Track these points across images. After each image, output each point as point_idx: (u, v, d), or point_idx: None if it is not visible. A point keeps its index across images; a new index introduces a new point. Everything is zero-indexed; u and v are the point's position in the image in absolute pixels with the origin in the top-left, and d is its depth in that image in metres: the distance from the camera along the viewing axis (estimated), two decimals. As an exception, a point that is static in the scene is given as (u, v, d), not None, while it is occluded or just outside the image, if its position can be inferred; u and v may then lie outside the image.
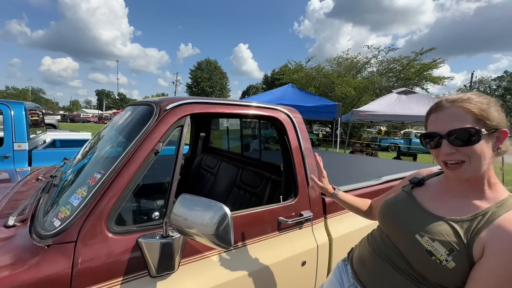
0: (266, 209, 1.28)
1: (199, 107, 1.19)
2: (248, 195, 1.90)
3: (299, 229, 1.38)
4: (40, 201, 1.11)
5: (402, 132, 17.66)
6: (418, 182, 0.88)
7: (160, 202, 1.37)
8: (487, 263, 0.62)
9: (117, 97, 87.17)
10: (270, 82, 40.08)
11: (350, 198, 1.18)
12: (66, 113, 45.91)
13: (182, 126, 1.12)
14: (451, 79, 17.59)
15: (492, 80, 52.36)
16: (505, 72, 50.06)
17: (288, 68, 21.06)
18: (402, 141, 15.74)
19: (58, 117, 30.43)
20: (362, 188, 1.80)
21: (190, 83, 48.98)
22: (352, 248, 1.07)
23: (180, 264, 0.98)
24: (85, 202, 0.89)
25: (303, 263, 1.34)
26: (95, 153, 1.29)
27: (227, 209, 0.81)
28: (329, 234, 1.49)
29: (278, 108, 1.48)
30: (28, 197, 1.28)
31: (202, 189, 2.47)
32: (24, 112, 3.09)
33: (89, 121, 40.95)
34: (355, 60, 17.12)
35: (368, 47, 16.71)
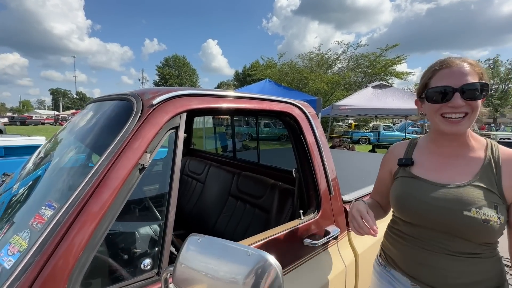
0: (288, 230, 1.00)
1: (197, 101, 0.86)
2: (249, 206, 1.60)
3: (324, 250, 1.13)
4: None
5: (371, 125, 18.43)
6: (410, 161, 0.88)
7: (137, 255, 0.96)
8: None
9: (75, 96, 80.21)
10: (242, 79, 39.72)
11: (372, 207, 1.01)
12: (15, 115, 40.87)
13: (177, 128, 0.79)
14: (413, 74, 18.75)
15: (443, 75, 57.79)
16: (454, 68, 55.70)
17: (259, 64, 20.83)
18: (371, 133, 16.42)
19: (5, 120, 27.04)
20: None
21: (157, 80, 46.73)
22: (383, 251, 1.00)
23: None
24: (26, 260, 0.53)
25: (333, 292, 1.09)
26: (45, 173, 0.89)
27: (273, 260, 0.51)
28: (354, 249, 1.26)
29: (291, 101, 1.20)
30: None
31: (188, 199, 2.12)
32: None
33: (43, 123, 36.95)
34: (325, 56, 17.43)
35: (338, 43, 17.12)
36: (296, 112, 1.19)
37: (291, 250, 0.99)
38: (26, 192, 0.81)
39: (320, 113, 6.59)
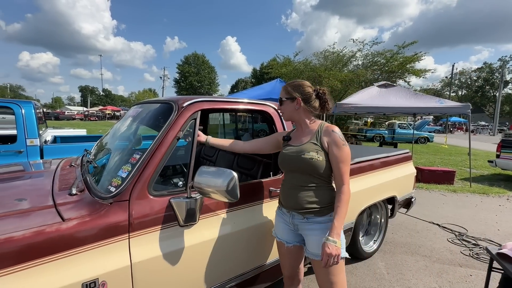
0: (259, 182, 1.67)
1: (207, 104, 1.55)
2: (244, 176, 2.28)
3: (286, 197, 1.78)
4: (88, 178, 1.45)
5: (387, 123, 18.41)
6: (288, 138, 1.47)
7: (176, 180, 1.75)
8: (331, 149, 1.30)
9: (101, 93, 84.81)
10: (259, 76, 40.10)
11: (218, 140, 1.69)
12: (50, 111, 44.55)
13: (195, 119, 1.48)
14: (433, 72, 18.33)
15: (472, 71, 54.40)
16: (485, 63, 51.95)
17: (276, 62, 21.26)
18: (386, 131, 16.47)
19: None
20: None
21: (178, 78, 48.35)
22: (280, 197, 1.53)
23: (200, 218, 1.35)
24: (131, 174, 1.25)
25: (289, 223, 1.74)
26: (124, 141, 1.64)
27: (234, 173, 1.19)
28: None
29: (267, 103, 1.86)
30: (72, 178, 1.61)
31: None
32: (33, 111, 3.33)
33: (74, 119, 39.98)
34: (341, 54, 17.54)
35: (353, 41, 17.17)
36: (271, 111, 1.85)
37: (262, 192, 1.66)
38: (123, 150, 1.55)
39: (325, 111, 7.07)
